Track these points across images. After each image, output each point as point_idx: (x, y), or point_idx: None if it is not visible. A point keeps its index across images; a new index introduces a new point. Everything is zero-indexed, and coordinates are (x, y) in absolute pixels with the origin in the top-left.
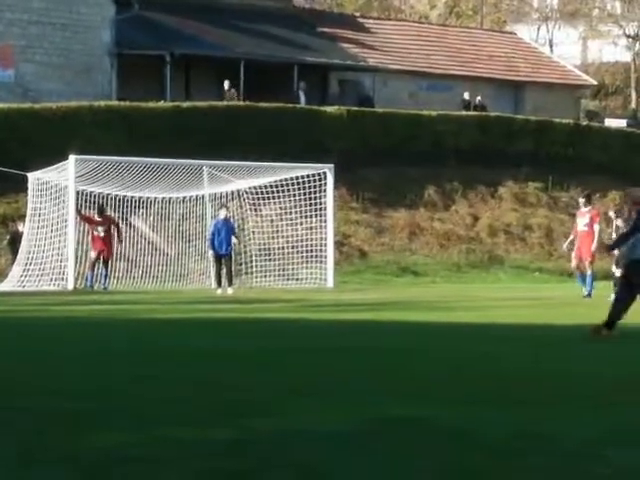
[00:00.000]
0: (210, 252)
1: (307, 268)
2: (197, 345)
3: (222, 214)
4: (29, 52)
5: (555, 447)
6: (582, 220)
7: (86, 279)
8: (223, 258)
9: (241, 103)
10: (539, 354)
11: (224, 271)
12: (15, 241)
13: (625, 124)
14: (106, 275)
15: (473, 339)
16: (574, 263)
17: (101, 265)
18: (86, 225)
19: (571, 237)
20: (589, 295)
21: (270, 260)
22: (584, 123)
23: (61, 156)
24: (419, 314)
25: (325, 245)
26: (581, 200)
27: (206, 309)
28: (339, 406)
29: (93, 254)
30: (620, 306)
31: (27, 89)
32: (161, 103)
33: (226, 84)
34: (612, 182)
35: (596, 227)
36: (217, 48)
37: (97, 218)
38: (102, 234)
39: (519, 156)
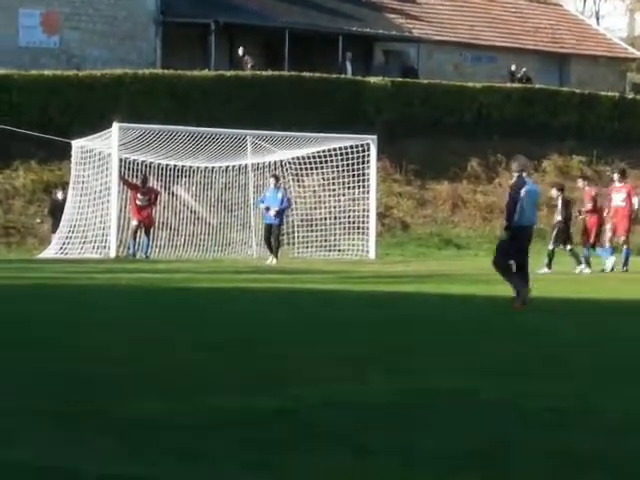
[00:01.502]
0: (261, 206)
1: (349, 239)
2: (244, 315)
3: (272, 183)
4: (74, 19)
5: (596, 421)
6: (618, 195)
7: (128, 247)
8: (272, 227)
9: (285, 73)
10: (582, 329)
11: (272, 240)
12: (55, 209)
13: None
14: (148, 244)
15: (514, 312)
16: (609, 236)
17: (143, 234)
18: (128, 193)
19: (605, 212)
20: (627, 269)
21: (312, 231)
22: (630, 96)
23: (105, 124)
24: (461, 287)
25: (367, 217)
26: (615, 175)
27: (249, 279)
28: (385, 377)
29: (134, 222)
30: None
31: (72, 56)
32: (205, 72)
33: (240, 50)
34: None
35: (635, 200)
36: (262, 17)
37: (142, 189)
38: (144, 203)
39: (563, 129)
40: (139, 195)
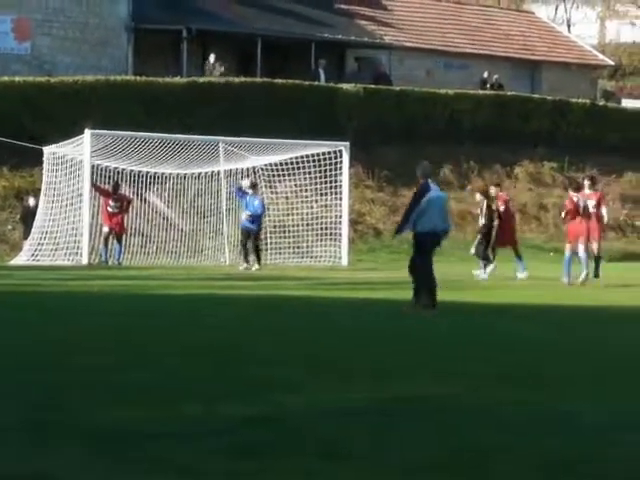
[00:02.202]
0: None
1: (322, 246)
2: (216, 323)
3: (250, 191)
4: (46, 25)
5: (573, 428)
6: (589, 203)
7: (100, 254)
8: (250, 232)
9: (257, 79)
10: (561, 335)
11: (249, 246)
12: (27, 215)
13: None
14: (120, 251)
15: (489, 318)
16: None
17: (115, 241)
18: (100, 199)
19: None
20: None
21: (285, 237)
22: (601, 103)
23: (77, 130)
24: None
25: (340, 223)
26: (586, 182)
27: (221, 286)
28: (363, 384)
29: (106, 229)
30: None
31: (43, 62)
32: (177, 78)
33: (211, 57)
34: (628, 163)
35: (604, 210)
36: (234, 24)
37: (113, 196)
38: (115, 210)
39: (535, 136)
40: (110, 202)
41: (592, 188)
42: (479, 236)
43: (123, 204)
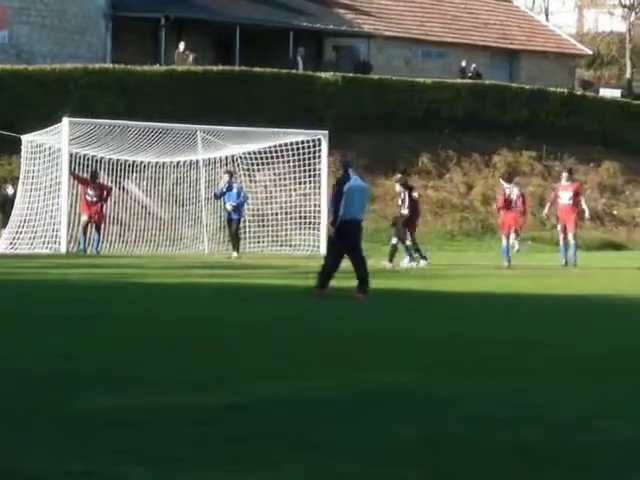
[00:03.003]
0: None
1: (300, 235)
2: (192, 311)
3: (225, 179)
4: (23, 13)
5: (541, 417)
6: (565, 194)
7: (78, 243)
8: (232, 221)
9: (236, 68)
10: (525, 325)
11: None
12: (5, 204)
13: (619, 94)
14: (98, 239)
15: (462, 308)
16: (561, 236)
17: (93, 230)
18: (79, 188)
19: (548, 206)
20: (575, 265)
21: (264, 226)
22: (579, 92)
23: (55, 118)
24: (409, 282)
25: (319, 212)
26: (564, 174)
27: (200, 274)
28: (335, 374)
29: (84, 218)
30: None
31: (21, 50)
32: (156, 67)
33: (181, 46)
34: (606, 152)
35: (583, 200)
36: (213, 12)
37: (91, 184)
38: (94, 199)
39: (513, 125)
40: (89, 190)
41: (570, 179)
42: (400, 226)
43: (102, 193)
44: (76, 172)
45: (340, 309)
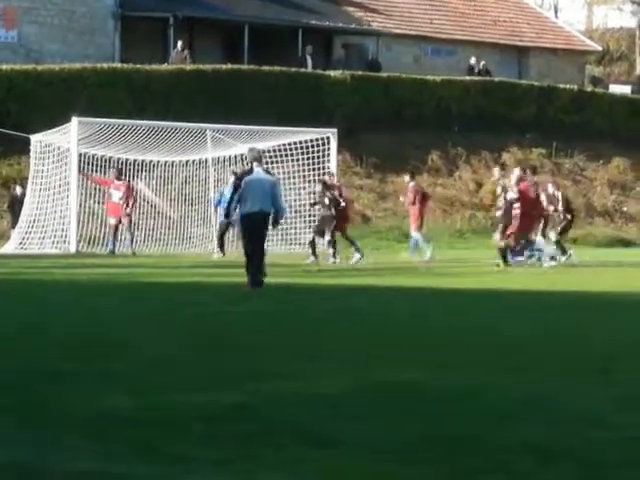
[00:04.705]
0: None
1: (310, 233)
2: (203, 310)
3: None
4: (32, 13)
5: (552, 413)
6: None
7: (106, 244)
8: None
9: (244, 66)
10: (538, 321)
11: (217, 235)
12: (14, 204)
13: (629, 90)
14: (131, 239)
15: (472, 305)
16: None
17: (125, 230)
18: (91, 187)
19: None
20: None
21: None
22: (588, 89)
23: (64, 118)
24: (420, 280)
25: None
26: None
27: (207, 273)
28: (341, 371)
29: (112, 221)
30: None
31: (30, 50)
32: (164, 66)
33: (179, 44)
34: (615, 148)
35: (543, 197)
36: (221, 11)
37: (116, 182)
38: (119, 201)
39: (523, 122)
40: (113, 191)
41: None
42: (324, 222)
43: (126, 193)
44: (94, 175)
45: (345, 307)
